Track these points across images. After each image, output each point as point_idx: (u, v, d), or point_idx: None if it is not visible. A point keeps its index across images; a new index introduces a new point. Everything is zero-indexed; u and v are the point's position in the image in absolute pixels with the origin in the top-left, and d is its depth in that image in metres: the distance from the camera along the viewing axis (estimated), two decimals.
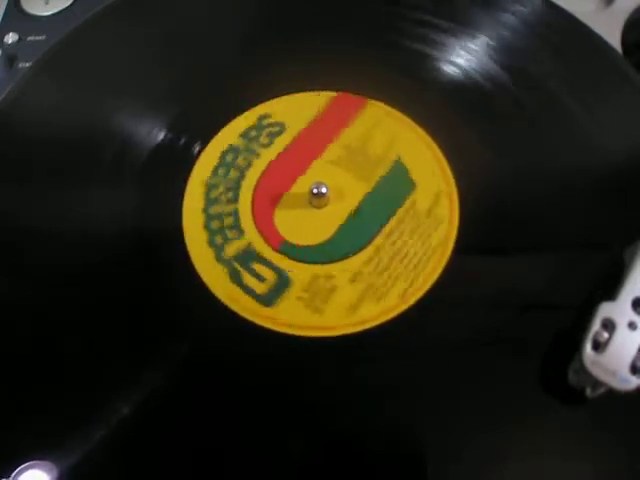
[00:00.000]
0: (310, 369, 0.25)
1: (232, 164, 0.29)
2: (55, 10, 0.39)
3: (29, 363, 0.24)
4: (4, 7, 0.39)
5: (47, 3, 0.39)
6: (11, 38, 0.37)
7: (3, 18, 0.39)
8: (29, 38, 0.38)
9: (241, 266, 0.27)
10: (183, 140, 0.30)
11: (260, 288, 0.26)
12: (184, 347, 0.25)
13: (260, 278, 0.26)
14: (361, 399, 0.24)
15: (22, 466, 0.22)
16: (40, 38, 0.38)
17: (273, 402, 0.24)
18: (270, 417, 0.23)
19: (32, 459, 0.22)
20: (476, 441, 0.23)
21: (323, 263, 0.27)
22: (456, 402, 0.24)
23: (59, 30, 0.35)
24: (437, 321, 0.26)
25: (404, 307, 0.25)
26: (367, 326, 0.25)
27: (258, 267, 0.27)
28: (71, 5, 0.39)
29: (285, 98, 0.31)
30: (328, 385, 0.24)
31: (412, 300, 0.26)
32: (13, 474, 0.21)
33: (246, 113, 0.31)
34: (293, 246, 0.27)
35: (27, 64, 0.36)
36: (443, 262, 0.26)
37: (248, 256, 0.27)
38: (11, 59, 0.37)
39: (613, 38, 0.36)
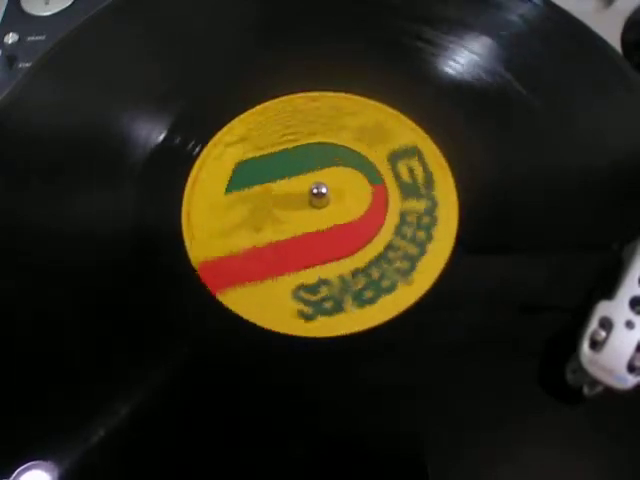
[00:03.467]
0: (310, 369, 0.25)
1: None
2: (55, 10, 0.39)
3: (29, 363, 0.24)
4: (4, 7, 0.39)
5: (47, 3, 0.39)
6: (11, 38, 0.37)
7: (3, 18, 0.39)
8: (29, 38, 0.38)
9: None
10: (183, 140, 0.30)
11: None
12: (184, 347, 0.25)
13: None
14: (361, 399, 0.24)
15: (23, 466, 0.22)
16: (40, 38, 0.38)
17: (273, 402, 0.24)
18: (270, 417, 0.23)
19: (33, 459, 0.22)
20: (475, 440, 0.23)
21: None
22: (456, 402, 0.24)
23: (59, 30, 0.35)
24: (437, 321, 0.26)
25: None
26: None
27: None
28: (71, 5, 0.39)
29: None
30: (328, 385, 0.24)
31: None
32: (14, 474, 0.21)
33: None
34: None
35: (27, 64, 0.36)
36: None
37: None
38: (11, 59, 0.37)
39: (613, 38, 0.36)
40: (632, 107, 0.30)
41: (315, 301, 0.26)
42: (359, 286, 0.26)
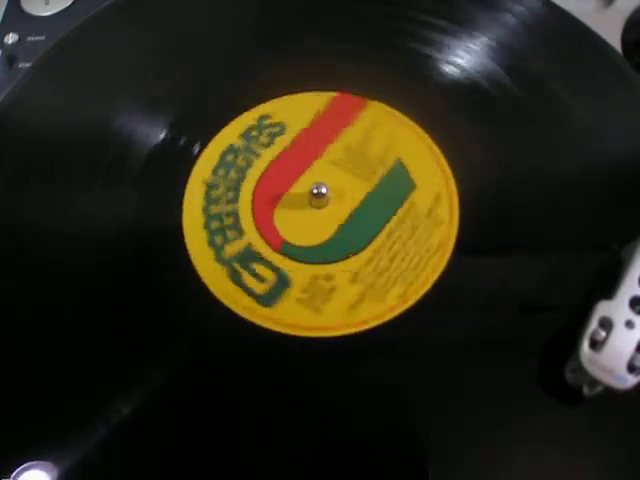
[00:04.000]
0: (310, 369, 0.25)
1: (232, 164, 0.29)
2: (55, 10, 0.39)
3: (29, 363, 0.24)
4: (4, 7, 0.39)
5: (47, 3, 0.39)
6: (11, 38, 0.37)
7: (3, 18, 0.39)
8: (29, 38, 0.38)
9: (241, 266, 0.27)
10: (183, 140, 0.30)
11: (260, 288, 0.26)
12: (184, 347, 0.25)
13: (260, 278, 0.26)
14: (361, 399, 0.24)
15: (22, 466, 0.22)
16: (40, 38, 0.38)
17: (273, 402, 0.24)
18: (270, 417, 0.23)
19: (32, 459, 0.22)
20: (475, 440, 0.23)
21: (323, 263, 0.27)
22: (455, 402, 0.24)
23: (59, 30, 0.35)
24: (437, 321, 0.26)
25: (404, 307, 0.25)
26: (367, 326, 0.25)
27: (258, 267, 0.27)
28: (71, 5, 0.39)
29: (286, 98, 0.31)
30: (328, 385, 0.24)
31: (412, 300, 0.26)
32: (13, 474, 0.21)
33: (246, 113, 0.31)
34: (293, 246, 0.27)
35: (27, 64, 0.36)
36: (443, 262, 0.26)
37: (248, 256, 0.27)
38: (11, 59, 0.37)
39: (613, 38, 0.36)
40: (632, 107, 0.30)
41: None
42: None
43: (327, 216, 0.28)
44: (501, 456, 0.23)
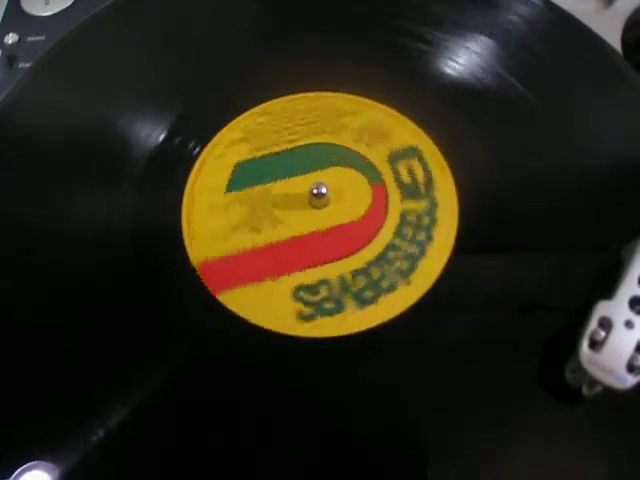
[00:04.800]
0: (310, 369, 0.25)
1: None
2: (55, 10, 0.39)
3: (29, 363, 0.24)
4: (4, 7, 0.39)
5: (47, 3, 0.39)
6: (11, 38, 0.37)
7: (3, 18, 0.39)
8: (29, 38, 0.38)
9: None
10: (183, 141, 0.30)
11: None
12: (184, 347, 0.25)
13: None
14: (361, 399, 0.24)
15: (23, 466, 0.22)
16: (40, 38, 0.38)
17: (273, 402, 0.24)
18: (270, 417, 0.23)
19: (33, 459, 0.22)
20: (475, 440, 0.23)
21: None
22: (455, 402, 0.24)
23: (59, 30, 0.35)
24: (437, 321, 0.26)
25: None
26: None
27: None
28: (71, 5, 0.39)
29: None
30: (328, 385, 0.24)
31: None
32: (14, 474, 0.21)
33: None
34: None
35: (27, 64, 0.36)
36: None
37: None
38: (11, 59, 0.37)
39: (613, 38, 0.36)
40: (632, 107, 0.30)
41: (315, 301, 0.26)
42: (359, 286, 0.26)
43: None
44: (501, 456, 0.23)
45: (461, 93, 0.31)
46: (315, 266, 0.26)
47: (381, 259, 0.27)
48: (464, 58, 0.31)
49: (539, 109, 0.30)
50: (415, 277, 0.26)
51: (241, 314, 0.25)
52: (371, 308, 0.25)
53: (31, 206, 0.28)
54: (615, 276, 0.24)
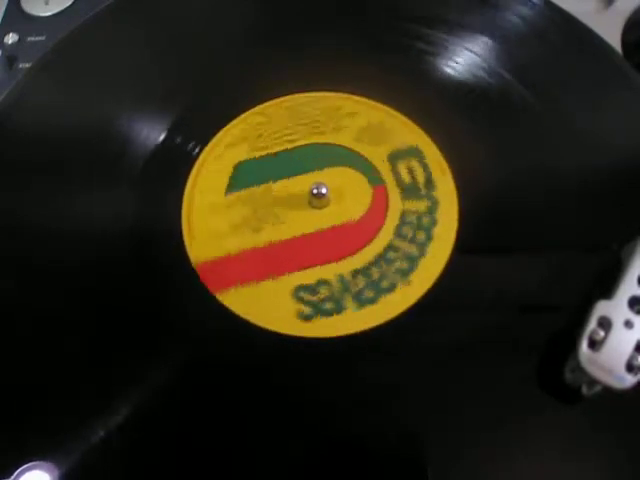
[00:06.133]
0: (310, 369, 0.25)
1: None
2: (55, 10, 0.39)
3: (30, 363, 0.24)
4: (4, 7, 0.39)
5: (47, 3, 0.39)
6: (11, 38, 0.37)
7: (3, 18, 0.39)
8: (29, 38, 0.38)
9: None
10: (183, 141, 0.30)
11: None
12: (184, 348, 0.25)
13: None
14: (361, 399, 0.24)
15: (23, 466, 0.22)
16: (40, 38, 0.38)
17: (273, 402, 0.24)
18: (270, 417, 0.23)
19: (33, 459, 0.22)
20: (475, 440, 0.23)
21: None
22: (455, 402, 0.24)
23: (59, 30, 0.35)
24: (436, 321, 0.26)
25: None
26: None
27: None
28: (71, 5, 0.39)
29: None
30: (328, 385, 0.24)
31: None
32: (14, 474, 0.21)
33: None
34: None
35: (27, 64, 0.36)
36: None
37: None
38: (11, 59, 0.37)
39: (613, 38, 0.36)
40: (632, 107, 0.30)
41: (315, 301, 0.26)
42: (359, 286, 0.26)
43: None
44: (501, 456, 0.23)
45: (461, 93, 0.31)
46: (315, 266, 0.26)
47: (381, 259, 0.27)
48: (464, 58, 0.31)
49: (539, 109, 0.30)
50: (415, 277, 0.26)
51: (241, 314, 0.25)
52: (371, 308, 0.25)
53: (31, 206, 0.28)
54: (614, 276, 0.24)
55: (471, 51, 0.32)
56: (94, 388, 0.24)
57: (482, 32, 0.32)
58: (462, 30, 0.32)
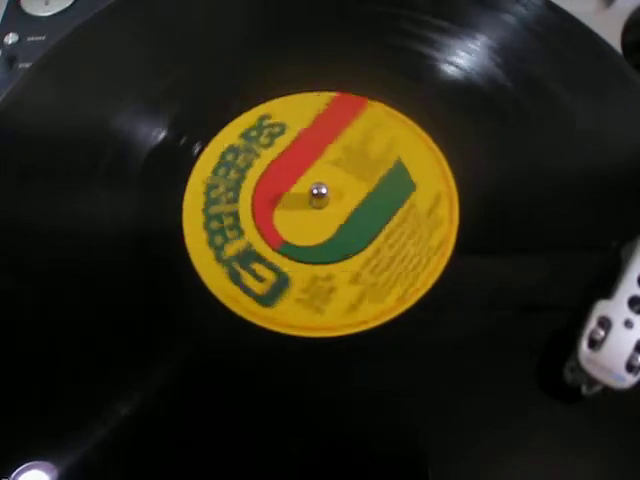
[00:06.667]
0: (310, 369, 0.25)
1: (232, 164, 0.29)
2: (55, 10, 0.39)
3: (29, 363, 0.24)
4: (4, 7, 0.39)
5: (47, 3, 0.39)
6: (11, 38, 0.37)
7: (3, 18, 0.39)
8: (29, 38, 0.38)
9: (241, 266, 0.27)
10: (183, 140, 0.30)
11: (260, 288, 0.26)
12: (184, 347, 0.25)
13: (260, 278, 0.26)
14: (361, 399, 0.24)
15: (22, 466, 0.22)
16: (40, 38, 0.38)
17: (273, 402, 0.24)
18: (270, 417, 0.23)
19: (33, 459, 0.22)
20: (475, 440, 0.23)
21: (323, 263, 0.27)
22: (455, 402, 0.24)
23: (59, 30, 0.35)
24: (437, 321, 0.26)
25: (404, 307, 0.26)
26: (367, 326, 0.25)
27: (258, 267, 0.27)
28: (71, 5, 0.39)
29: (285, 98, 0.31)
30: (328, 385, 0.24)
31: (412, 300, 0.26)
32: (13, 474, 0.21)
33: (246, 113, 0.31)
34: (293, 246, 0.27)
35: (27, 64, 0.36)
36: (443, 262, 0.26)
37: (248, 256, 0.27)
38: (11, 59, 0.37)
39: (613, 38, 0.36)
40: (632, 107, 0.30)
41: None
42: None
43: (327, 216, 0.28)
44: (501, 456, 0.23)
45: (461, 93, 0.31)
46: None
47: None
48: (464, 58, 0.31)
49: (539, 109, 0.30)
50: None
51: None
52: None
53: (31, 206, 0.28)
54: (614, 276, 0.24)
55: (471, 51, 0.32)
56: (94, 388, 0.24)
57: (482, 32, 0.32)
58: (462, 30, 0.32)
